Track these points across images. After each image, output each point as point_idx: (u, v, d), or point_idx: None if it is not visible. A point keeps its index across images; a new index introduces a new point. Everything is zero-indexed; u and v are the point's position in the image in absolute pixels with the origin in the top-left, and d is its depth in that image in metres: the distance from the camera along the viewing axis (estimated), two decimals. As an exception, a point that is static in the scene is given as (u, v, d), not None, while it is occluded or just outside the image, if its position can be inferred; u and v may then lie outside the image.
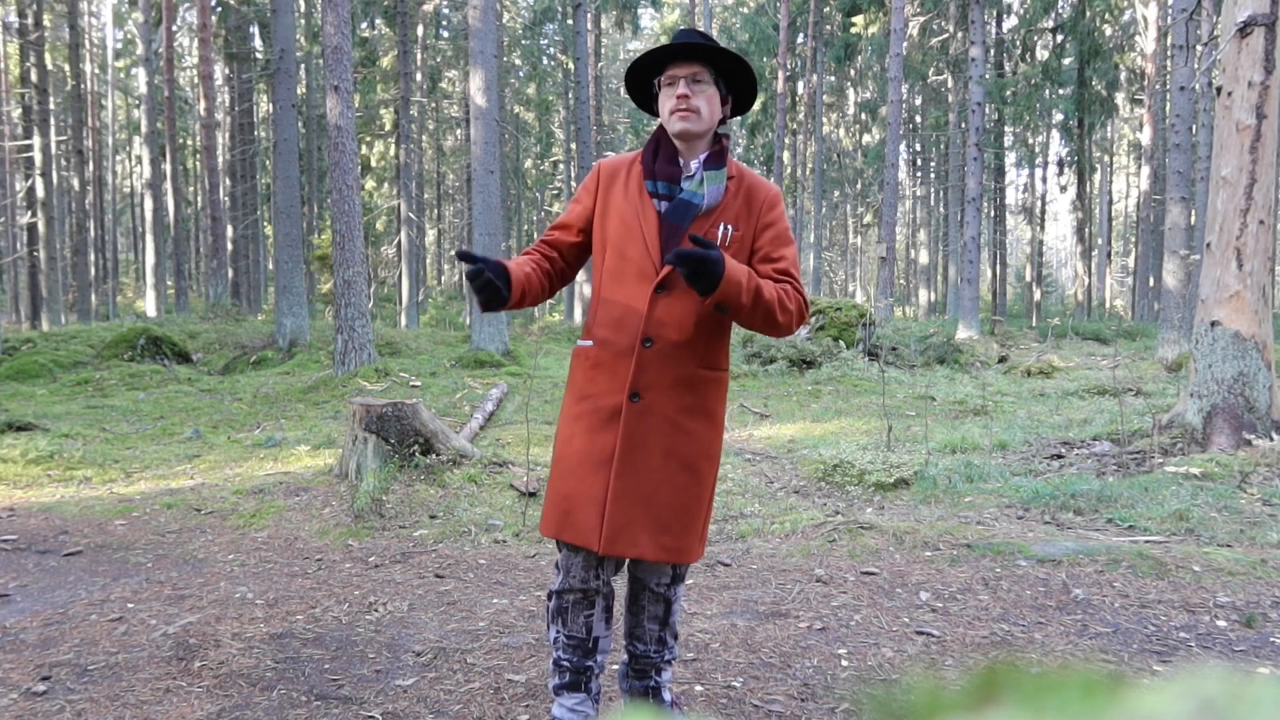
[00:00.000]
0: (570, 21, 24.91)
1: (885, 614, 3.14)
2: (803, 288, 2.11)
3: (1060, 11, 24.13)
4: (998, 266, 28.05)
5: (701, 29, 29.92)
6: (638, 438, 2.01)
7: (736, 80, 2.12)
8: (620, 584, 2.71)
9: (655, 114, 2.17)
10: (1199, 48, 13.30)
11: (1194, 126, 14.70)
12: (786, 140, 28.15)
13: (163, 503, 5.01)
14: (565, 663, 2.18)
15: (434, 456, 5.17)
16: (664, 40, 37.11)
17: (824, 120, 30.04)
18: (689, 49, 2.04)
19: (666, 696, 2.29)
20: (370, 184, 26.68)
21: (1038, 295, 29.35)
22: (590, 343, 2.09)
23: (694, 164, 2.08)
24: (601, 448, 2.02)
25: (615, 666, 2.64)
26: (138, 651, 2.89)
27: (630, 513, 2.00)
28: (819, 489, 5.22)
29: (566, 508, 2.03)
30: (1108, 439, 6.06)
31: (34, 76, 21.53)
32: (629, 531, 2.00)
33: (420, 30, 24.76)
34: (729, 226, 2.07)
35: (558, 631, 2.18)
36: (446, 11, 26.69)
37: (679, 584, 2.23)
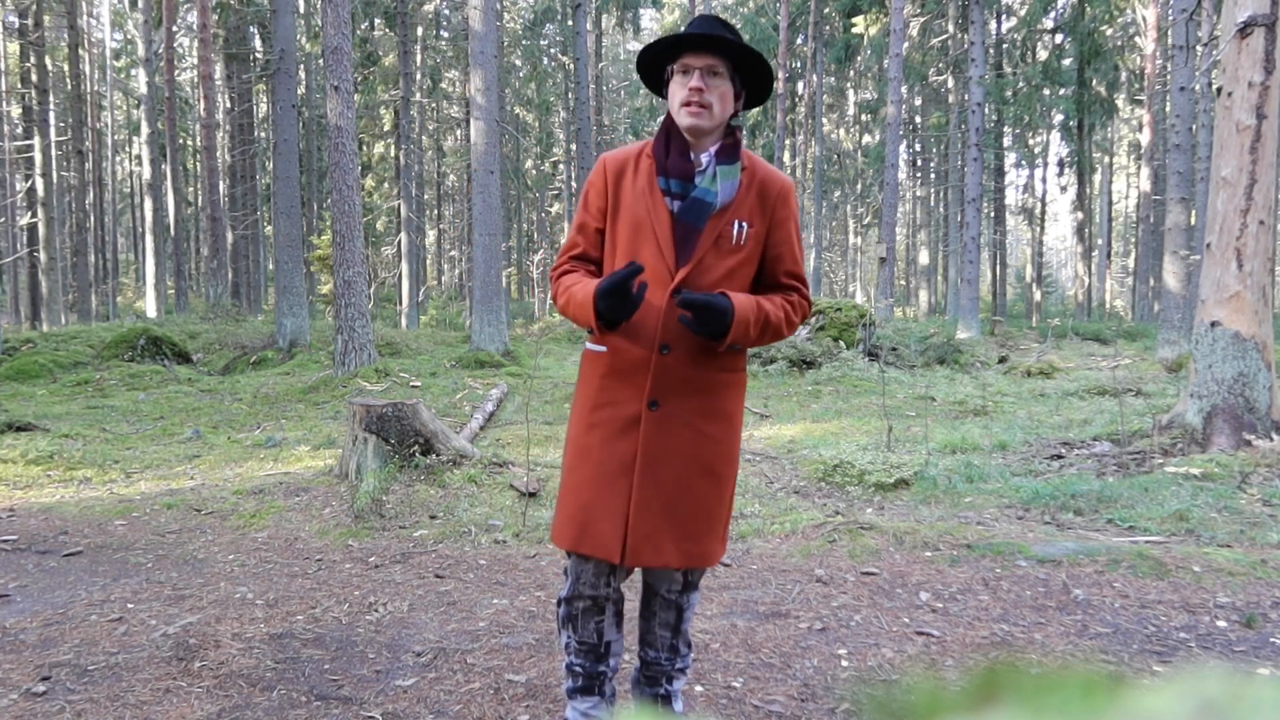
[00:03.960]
0: (570, 22, 24.92)
1: (885, 614, 3.14)
2: (807, 285, 2.11)
3: (1060, 12, 24.13)
4: (998, 267, 28.05)
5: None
6: (658, 446, 1.95)
7: (753, 75, 2.00)
8: (635, 587, 2.70)
9: (665, 97, 2.06)
10: (1199, 48, 13.31)
11: (1194, 127, 14.69)
12: (786, 140, 28.14)
13: (163, 503, 5.01)
14: (578, 668, 2.14)
15: (434, 457, 5.17)
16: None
17: (824, 120, 30.03)
18: (706, 40, 1.91)
19: (678, 706, 2.22)
20: (370, 184, 26.68)
21: (1038, 296, 29.35)
22: (603, 348, 1.99)
23: (704, 157, 1.98)
24: (620, 457, 1.95)
25: (630, 663, 2.63)
26: (138, 652, 2.89)
27: (653, 522, 1.95)
28: (819, 489, 5.22)
29: (584, 519, 1.96)
30: (1108, 439, 6.06)
31: (34, 76, 21.54)
32: (652, 541, 1.95)
33: (420, 31, 24.76)
34: (744, 224, 1.99)
35: (569, 637, 2.13)
36: (446, 12, 26.69)
37: (691, 591, 2.15)
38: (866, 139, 33.04)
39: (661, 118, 2.10)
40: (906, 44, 21.07)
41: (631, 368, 1.95)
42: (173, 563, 3.98)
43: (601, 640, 2.12)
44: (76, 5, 24.04)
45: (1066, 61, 23.50)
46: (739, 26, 31.11)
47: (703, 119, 1.93)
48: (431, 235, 35.20)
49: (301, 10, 25.09)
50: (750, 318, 1.91)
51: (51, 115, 23.30)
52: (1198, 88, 14.17)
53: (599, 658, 2.13)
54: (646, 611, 2.19)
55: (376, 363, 10.38)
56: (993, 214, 28.21)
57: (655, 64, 2.05)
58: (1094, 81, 23.62)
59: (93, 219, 29.19)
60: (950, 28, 24.20)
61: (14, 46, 24.08)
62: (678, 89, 1.96)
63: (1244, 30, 5.50)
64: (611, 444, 1.96)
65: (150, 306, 20.80)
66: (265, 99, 27.60)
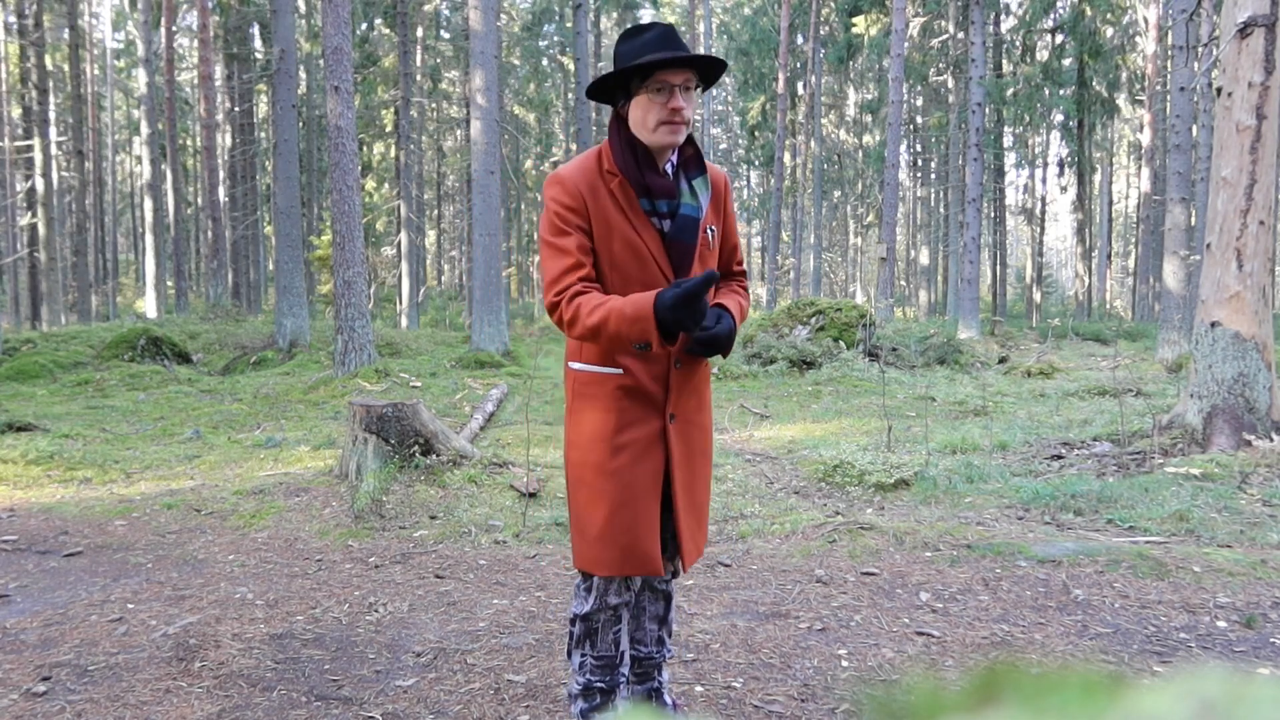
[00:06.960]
0: (570, 23, 24.92)
1: (885, 614, 3.14)
2: (745, 268, 2.27)
3: (1060, 12, 24.12)
4: (998, 267, 28.04)
5: (702, 29, 29.74)
6: (683, 453, 2.05)
7: (710, 76, 2.00)
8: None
9: (609, 103, 2.01)
10: (1199, 48, 13.31)
11: (1194, 127, 14.69)
12: (787, 140, 28.14)
13: (163, 503, 5.01)
14: (598, 685, 2.13)
15: (434, 457, 5.17)
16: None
17: (824, 121, 30.03)
18: (686, 59, 1.89)
19: (668, 699, 2.28)
20: (370, 184, 26.68)
21: (1038, 296, 29.34)
22: (618, 370, 2.00)
23: (667, 167, 1.99)
24: (648, 473, 2.00)
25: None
26: (138, 652, 2.89)
27: (691, 525, 2.07)
28: (819, 489, 5.22)
29: (626, 542, 1.99)
30: (1108, 439, 6.06)
31: (34, 76, 21.53)
32: (693, 541, 2.08)
33: (420, 31, 24.77)
34: (713, 228, 2.06)
35: (584, 655, 2.12)
36: (446, 12, 26.70)
37: (676, 576, 2.27)
38: (866, 139, 33.02)
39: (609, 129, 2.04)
40: (907, 44, 21.07)
41: (648, 385, 2.01)
42: (173, 563, 3.98)
43: (618, 649, 2.14)
44: (76, 5, 24.04)
45: (1066, 61, 23.48)
46: (739, 27, 31.14)
47: (681, 135, 1.93)
48: (431, 235, 35.20)
49: (301, 10, 25.10)
50: (739, 321, 2.05)
51: (51, 115, 23.30)
52: (1198, 88, 14.16)
53: (614, 668, 2.15)
54: (635, 610, 2.25)
55: (376, 363, 10.38)
56: (993, 214, 28.20)
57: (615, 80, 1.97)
58: (1094, 81, 23.61)
59: (93, 219, 29.19)
60: (950, 28, 24.20)
61: (14, 47, 24.08)
62: (652, 106, 1.90)
63: (1244, 30, 5.50)
64: (639, 463, 2.00)
65: (150, 307, 20.80)
66: (265, 99, 27.58)
